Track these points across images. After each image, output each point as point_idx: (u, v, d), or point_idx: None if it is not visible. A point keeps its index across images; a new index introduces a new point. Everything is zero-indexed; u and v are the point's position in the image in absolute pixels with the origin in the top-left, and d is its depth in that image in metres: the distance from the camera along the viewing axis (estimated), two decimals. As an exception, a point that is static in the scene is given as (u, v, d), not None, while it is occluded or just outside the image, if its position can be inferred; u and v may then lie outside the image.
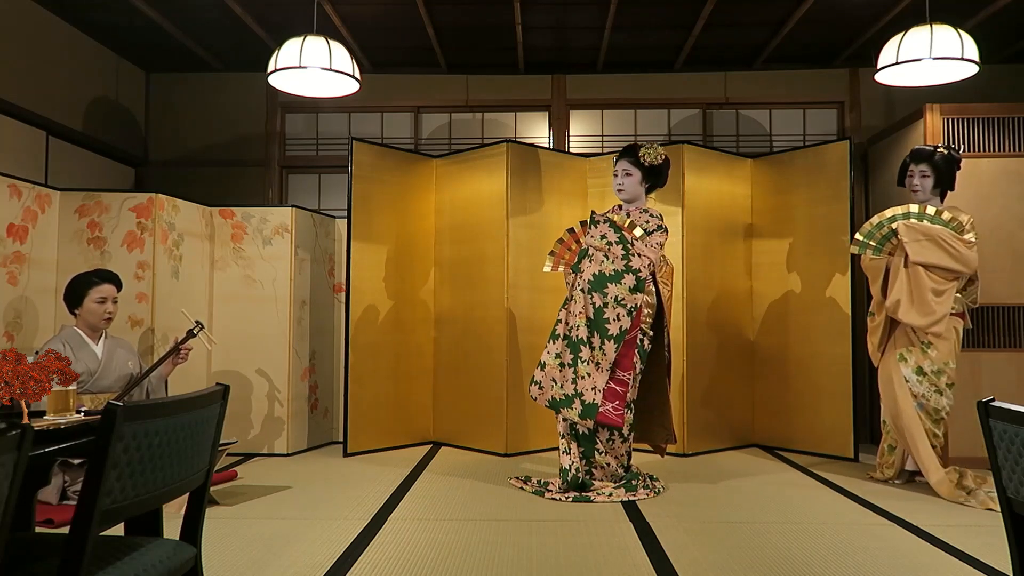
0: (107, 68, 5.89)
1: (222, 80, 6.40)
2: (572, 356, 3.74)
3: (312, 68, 4.28)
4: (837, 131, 6.29)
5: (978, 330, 4.65)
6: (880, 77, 4.39)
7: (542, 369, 3.84)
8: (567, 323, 3.81)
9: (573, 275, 3.91)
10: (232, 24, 5.44)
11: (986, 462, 1.72)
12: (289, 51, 4.29)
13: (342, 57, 4.36)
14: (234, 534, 3.09)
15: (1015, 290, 4.66)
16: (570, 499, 3.66)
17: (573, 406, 3.69)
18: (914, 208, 3.96)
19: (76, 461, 3.38)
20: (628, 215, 3.93)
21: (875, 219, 4.03)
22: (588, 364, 3.70)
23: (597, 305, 3.73)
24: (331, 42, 4.33)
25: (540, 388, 3.82)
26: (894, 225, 3.94)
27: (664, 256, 4.07)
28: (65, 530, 1.51)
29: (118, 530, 1.85)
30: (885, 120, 6.05)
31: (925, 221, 3.91)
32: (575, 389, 3.70)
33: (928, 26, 4.05)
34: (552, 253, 4.06)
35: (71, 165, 5.49)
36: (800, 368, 5.02)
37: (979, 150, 4.73)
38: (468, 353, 5.09)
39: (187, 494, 1.82)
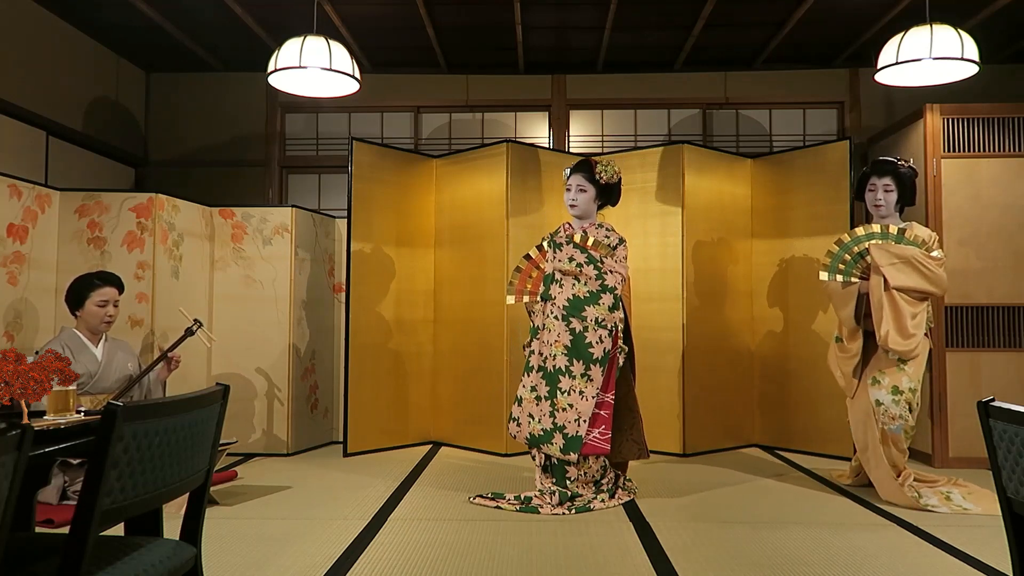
0: (107, 68, 5.89)
1: (222, 80, 6.40)
2: (549, 388, 3.59)
3: (312, 68, 4.27)
4: (837, 131, 6.29)
5: (978, 330, 4.65)
6: (880, 77, 4.39)
7: (519, 404, 3.71)
8: (540, 353, 3.67)
9: (541, 303, 3.76)
10: (232, 24, 5.44)
11: (986, 462, 1.72)
12: (289, 51, 4.28)
13: (342, 57, 4.36)
14: (234, 534, 3.09)
15: (1015, 290, 4.66)
16: (573, 511, 3.47)
17: (554, 441, 3.53)
18: (876, 228, 3.80)
19: (76, 461, 3.37)
20: (586, 233, 3.76)
21: (838, 244, 3.85)
22: (569, 395, 3.54)
23: (577, 330, 3.58)
24: (331, 42, 4.33)
25: (518, 425, 3.69)
26: (859, 248, 3.78)
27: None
28: (65, 530, 1.51)
29: (118, 530, 1.85)
30: (885, 120, 6.05)
31: (891, 241, 3.75)
32: (554, 423, 3.54)
33: (928, 26, 4.04)
34: (511, 284, 3.92)
35: (71, 165, 5.49)
36: (800, 368, 5.01)
37: (979, 150, 4.73)
38: (468, 353, 5.09)
39: (187, 494, 1.82)
